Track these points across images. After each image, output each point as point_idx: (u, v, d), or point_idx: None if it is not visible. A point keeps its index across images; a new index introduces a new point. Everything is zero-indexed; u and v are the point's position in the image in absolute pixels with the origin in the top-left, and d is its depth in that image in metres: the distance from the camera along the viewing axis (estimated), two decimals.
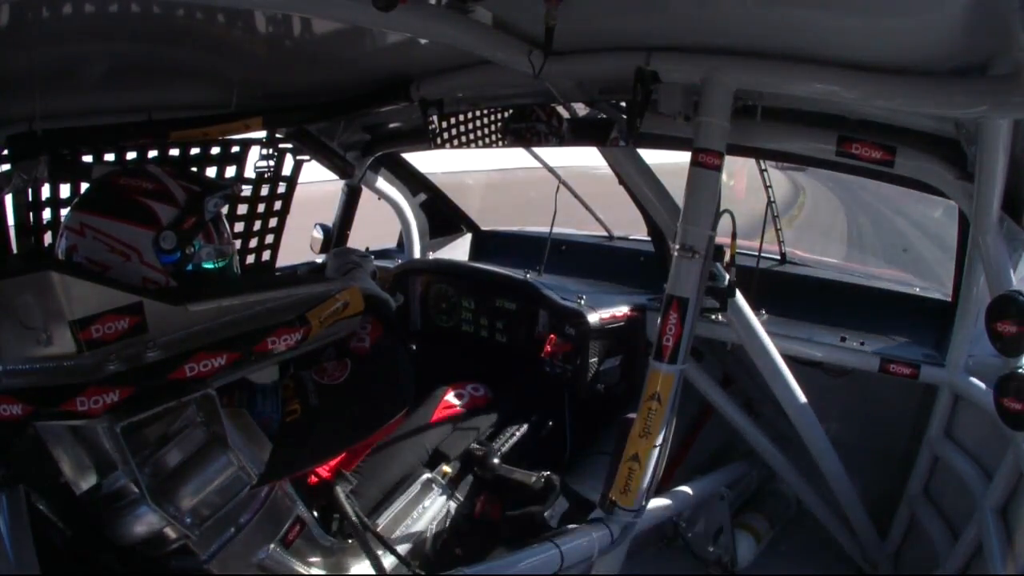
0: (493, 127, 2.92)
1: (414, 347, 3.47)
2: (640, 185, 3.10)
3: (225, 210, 2.40)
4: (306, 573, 2.28)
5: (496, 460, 2.99)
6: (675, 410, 2.35)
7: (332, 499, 2.43)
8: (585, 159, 3.52)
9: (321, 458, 2.29)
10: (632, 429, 2.35)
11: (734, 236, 2.66)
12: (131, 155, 2.89)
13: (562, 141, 2.75)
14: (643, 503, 2.39)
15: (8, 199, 2.67)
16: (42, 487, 1.96)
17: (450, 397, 3.18)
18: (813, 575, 3.61)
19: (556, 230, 4.38)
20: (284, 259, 3.98)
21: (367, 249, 4.60)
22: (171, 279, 2.02)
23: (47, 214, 2.77)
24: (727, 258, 2.76)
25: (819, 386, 3.20)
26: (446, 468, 2.86)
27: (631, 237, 4.69)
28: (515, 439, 3.22)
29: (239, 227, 3.57)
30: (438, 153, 3.47)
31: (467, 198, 5.94)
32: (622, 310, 3.60)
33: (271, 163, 3.50)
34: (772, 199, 3.97)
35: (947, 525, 2.96)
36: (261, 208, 3.62)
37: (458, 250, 5.04)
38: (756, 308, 3.09)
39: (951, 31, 1.79)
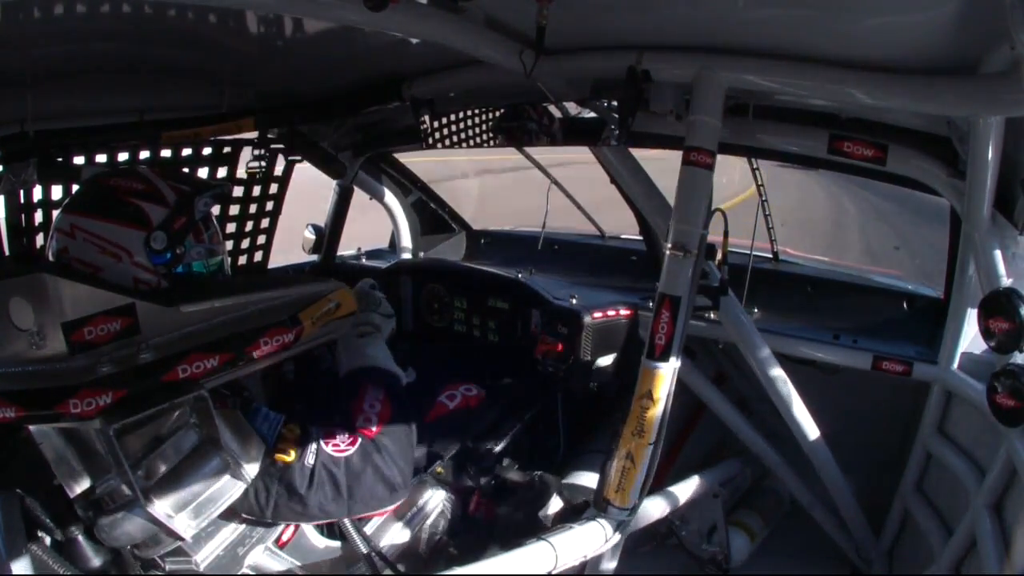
0: (485, 126, 2.93)
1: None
2: (632, 184, 3.10)
3: (217, 211, 2.40)
4: (299, 574, 2.28)
5: (490, 460, 2.99)
6: (668, 408, 2.35)
7: None
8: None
9: (302, 521, 2.26)
10: (625, 428, 2.35)
11: (726, 235, 2.66)
12: (123, 156, 2.88)
13: (553, 140, 2.76)
14: (637, 501, 2.39)
15: (0, 201, 2.67)
16: (35, 490, 1.96)
17: (443, 399, 3.19)
18: (807, 573, 3.61)
19: (548, 229, 4.38)
20: None
21: (359, 249, 4.61)
22: (163, 280, 2.02)
23: (39, 216, 2.77)
24: (719, 256, 2.76)
25: (812, 384, 3.20)
26: (440, 468, 2.86)
27: (623, 236, 4.70)
28: (508, 438, 3.22)
29: (231, 228, 3.57)
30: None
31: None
32: (615, 309, 3.60)
33: (263, 164, 3.49)
34: (764, 197, 3.97)
35: (941, 521, 2.96)
36: (253, 209, 3.61)
37: (452, 250, 5.05)
38: (748, 306, 3.09)
39: (943, 29, 1.80)
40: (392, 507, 2.40)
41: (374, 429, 2.23)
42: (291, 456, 2.05)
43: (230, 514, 2.05)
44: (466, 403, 3.24)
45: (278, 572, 2.24)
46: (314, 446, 2.10)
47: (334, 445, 2.14)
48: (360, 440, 2.17)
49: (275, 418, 2.11)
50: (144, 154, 2.94)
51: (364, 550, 2.38)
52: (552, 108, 2.76)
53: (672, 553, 3.60)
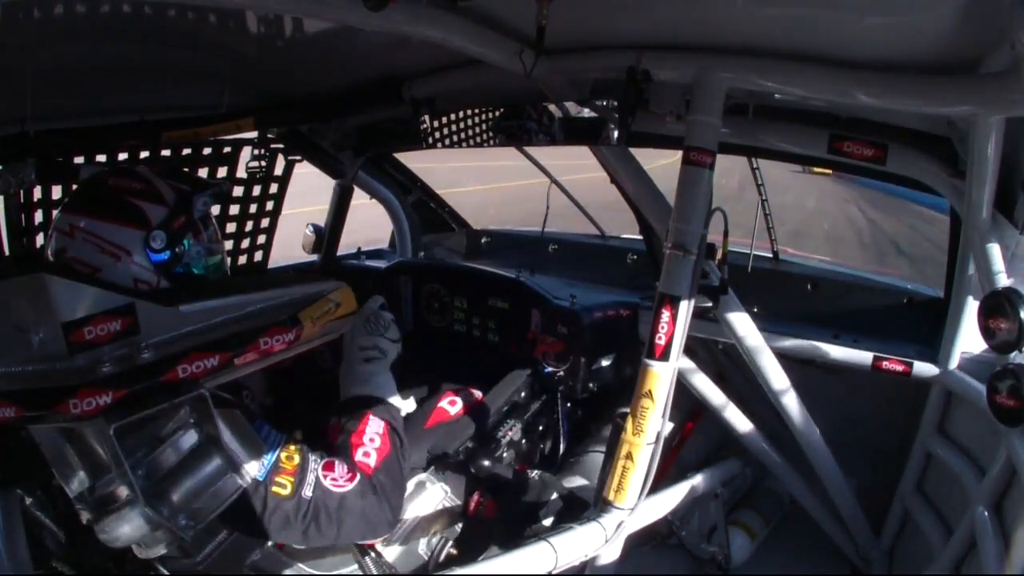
0: (484, 126, 2.93)
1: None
2: (632, 184, 3.10)
3: (217, 211, 2.39)
4: (299, 574, 2.28)
5: (490, 459, 2.98)
6: (668, 408, 2.35)
7: None
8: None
9: (289, 542, 2.26)
10: (625, 427, 2.35)
11: (726, 234, 2.66)
12: (123, 156, 2.88)
13: (553, 140, 2.76)
14: (637, 501, 2.39)
15: (0, 201, 2.67)
16: (36, 490, 1.96)
17: (444, 404, 3.18)
18: (807, 573, 3.61)
19: (548, 229, 4.38)
20: None
21: (359, 249, 4.61)
22: (162, 279, 2.02)
23: (39, 216, 2.77)
24: (719, 256, 2.77)
25: (812, 383, 3.20)
26: (440, 468, 2.86)
27: (623, 236, 4.70)
28: (508, 438, 3.22)
29: (231, 228, 3.57)
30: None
31: None
32: (614, 309, 3.60)
33: (262, 163, 3.49)
34: (764, 197, 3.97)
35: (941, 521, 2.96)
36: (253, 208, 3.61)
37: (452, 249, 5.05)
38: (748, 306, 3.10)
39: (944, 28, 1.80)
40: (378, 539, 2.40)
41: (372, 465, 2.21)
42: (287, 490, 2.02)
43: (222, 519, 2.05)
44: (467, 409, 3.24)
45: (278, 572, 2.24)
46: (312, 478, 2.08)
47: (332, 480, 2.11)
48: (358, 477, 2.15)
49: (276, 438, 2.09)
50: (144, 154, 2.94)
51: (364, 551, 2.38)
52: (552, 108, 2.76)
53: (672, 553, 3.60)
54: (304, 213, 4.70)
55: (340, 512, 2.09)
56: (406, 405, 2.92)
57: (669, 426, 2.39)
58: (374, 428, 2.29)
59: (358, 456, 2.22)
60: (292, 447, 2.09)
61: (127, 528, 1.83)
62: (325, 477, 2.10)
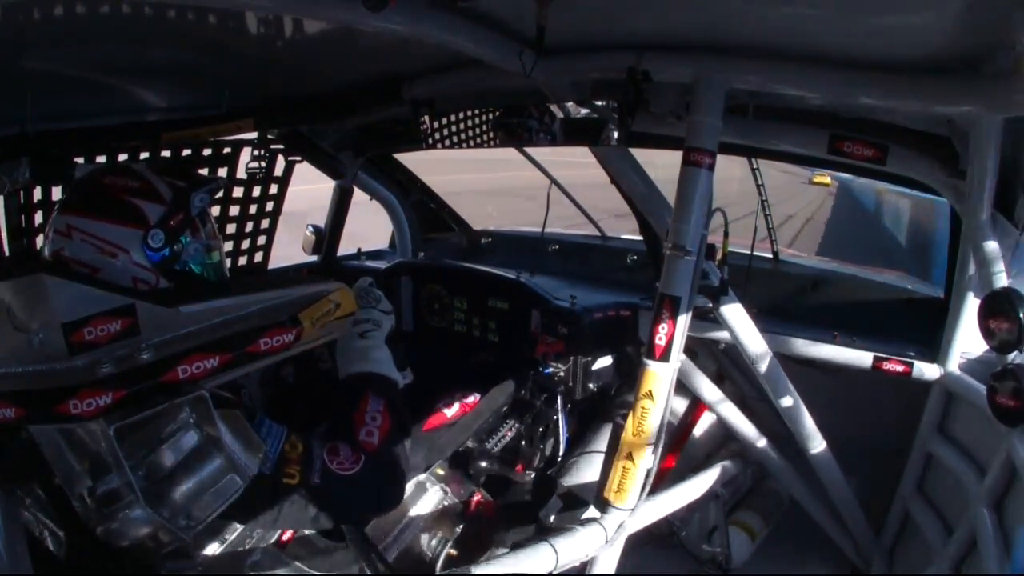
0: (485, 127, 2.92)
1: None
2: (632, 184, 3.10)
3: (217, 212, 2.39)
4: (299, 574, 2.28)
5: (489, 460, 2.98)
6: (668, 409, 2.35)
7: None
8: None
9: (302, 529, 2.28)
10: (625, 428, 2.35)
11: (726, 235, 2.66)
12: (122, 157, 2.88)
13: (554, 140, 2.76)
14: (637, 501, 2.39)
15: (0, 202, 2.66)
16: (35, 490, 1.95)
17: (442, 406, 3.18)
18: (807, 573, 3.61)
19: (549, 230, 4.38)
20: None
21: (359, 250, 4.61)
22: (161, 278, 2.01)
23: (39, 216, 2.76)
24: (719, 256, 2.76)
25: (812, 384, 3.20)
26: (439, 469, 2.86)
27: (623, 236, 4.70)
28: (508, 439, 3.22)
29: (231, 228, 3.56)
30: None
31: None
32: (614, 309, 3.60)
33: (262, 164, 3.49)
34: (764, 198, 3.98)
35: (941, 521, 2.96)
36: (253, 209, 3.61)
37: (452, 250, 5.04)
38: (748, 306, 3.10)
39: (944, 29, 1.80)
40: (391, 510, 2.40)
41: (375, 442, 2.21)
42: (296, 479, 2.03)
43: (231, 515, 2.05)
44: (464, 411, 3.23)
45: (278, 573, 2.24)
46: (319, 464, 2.08)
47: (338, 463, 2.11)
48: (363, 457, 2.16)
49: (277, 431, 2.09)
50: (144, 155, 2.93)
51: (364, 551, 2.38)
52: (553, 107, 2.76)
53: (673, 553, 3.60)
54: None
55: (349, 494, 2.10)
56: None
57: (670, 425, 2.38)
58: (375, 406, 2.29)
59: (361, 435, 2.22)
60: (294, 437, 2.09)
61: (127, 528, 1.82)
62: (331, 462, 2.10)
